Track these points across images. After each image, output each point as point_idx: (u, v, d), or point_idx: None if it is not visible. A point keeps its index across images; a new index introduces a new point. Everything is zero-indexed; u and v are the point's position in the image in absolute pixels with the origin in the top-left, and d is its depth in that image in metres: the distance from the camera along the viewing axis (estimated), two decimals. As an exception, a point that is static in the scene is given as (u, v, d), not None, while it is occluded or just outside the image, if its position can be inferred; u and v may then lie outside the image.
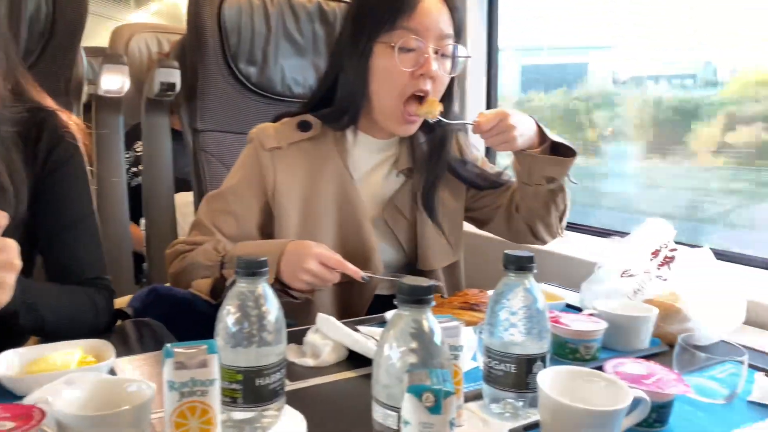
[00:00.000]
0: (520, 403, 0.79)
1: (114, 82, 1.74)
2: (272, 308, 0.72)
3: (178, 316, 1.11)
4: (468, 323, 1.02)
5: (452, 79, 1.23)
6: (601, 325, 0.97)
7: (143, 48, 2.61)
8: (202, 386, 0.62)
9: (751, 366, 0.90)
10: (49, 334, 0.97)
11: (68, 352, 0.83)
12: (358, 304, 1.24)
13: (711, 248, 1.21)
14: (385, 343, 0.63)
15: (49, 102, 1.08)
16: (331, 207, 1.22)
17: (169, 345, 0.63)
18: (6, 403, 0.65)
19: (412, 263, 1.30)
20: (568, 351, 0.97)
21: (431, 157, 1.28)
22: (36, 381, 0.75)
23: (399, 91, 1.16)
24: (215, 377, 0.63)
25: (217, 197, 1.25)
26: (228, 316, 0.71)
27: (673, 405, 0.76)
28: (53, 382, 0.72)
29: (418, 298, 0.63)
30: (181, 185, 1.98)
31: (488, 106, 2.01)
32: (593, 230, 1.75)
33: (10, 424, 0.60)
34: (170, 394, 0.62)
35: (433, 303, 0.64)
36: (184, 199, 1.99)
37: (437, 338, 0.63)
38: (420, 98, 1.17)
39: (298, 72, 1.72)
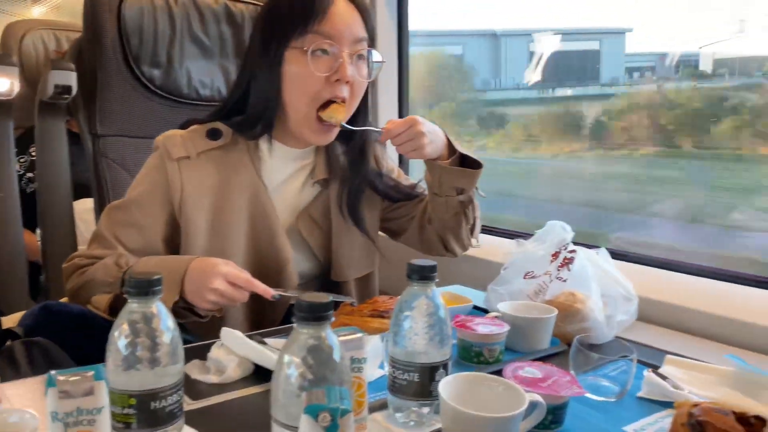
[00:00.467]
0: (425, 411, 0.80)
1: (1, 84, 1.63)
2: (167, 328, 0.69)
3: (73, 335, 1.05)
4: (377, 331, 1.03)
5: (368, 86, 1.21)
6: (504, 328, 1.00)
7: (39, 45, 2.46)
8: (89, 415, 0.59)
9: (641, 362, 0.96)
10: None
11: (-56, 382, 0.77)
12: (271, 316, 1.22)
13: (607, 248, 1.28)
14: (283, 362, 0.62)
15: None
16: (243, 218, 1.18)
17: (52, 372, 0.60)
18: None
19: (326, 274, 1.29)
20: (473, 354, 0.99)
21: (352, 166, 1.26)
22: None
23: (313, 97, 1.13)
24: (103, 405, 0.60)
25: (119, 208, 1.19)
26: (119, 338, 0.67)
27: (568, 405, 0.80)
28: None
29: (316, 315, 0.62)
30: (82, 191, 1.88)
31: (400, 114, 2.02)
32: (502, 232, 1.80)
33: None
34: (54, 426, 0.58)
35: (332, 319, 0.63)
36: (84, 206, 1.89)
37: (336, 355, 0.62)
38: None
39: (205, 74, 1.67)
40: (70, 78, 1.56)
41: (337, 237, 1.27)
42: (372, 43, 1.18)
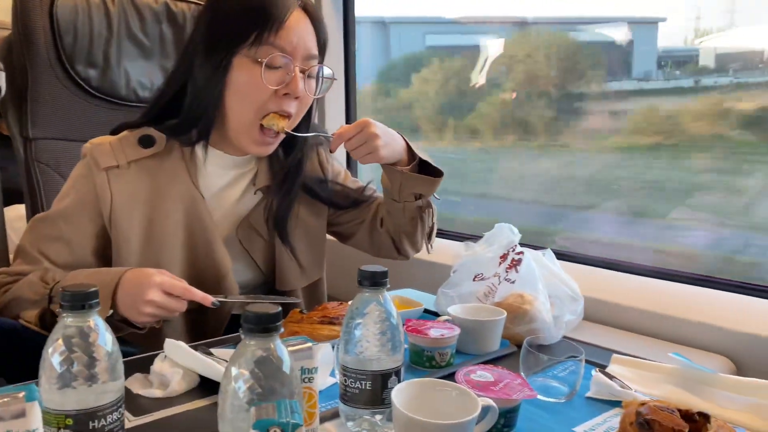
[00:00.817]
0: (378, 418, 0.79)
1: None
2: (105, 342, 0.65)
3: (5, 350, 0.99)
4: (328, 338, 1.01)
5: (312, 102, 1.19)
6: (454, 332, 1.00)
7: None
8: (20, 440, 0.55)
9: (589, 362, 0.97)
10: None
11: None
12: (214, 326, 1.18)
13: (552, 249, 1.30)
14: (231, 375, 0.60)
15: None
16: (179, 229, 1.13)
17: (-22, 395, 0.56)
18: None
19: (270, 283, 1.26)
20: (424, 359, 0.98)
21: (285, 178, 1.22)
22: None
23: (258, 108, 1.09)
24: (36, 427, 0.56)
25: (44, 221, 1.12)
26: (53, 355, 0.64)
27: (520, 408, 0.80)
28: None
29: (264, 326, 0.60)
30: (12, 197, 1.79)
31: (348, 120, 2.00)
32: (453, 234, 1.81)
33: None
34: (-19, 453, 0.54)
35: (281, 330, 0.61)
36: (16, 213, 1.80)
37: (286, 366, 0.60)
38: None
39: (144, 75, 1.62)
40: (-2, 78, 1.48)
41: (280, 246, 1.23)
42: (323, 57, 1.16)
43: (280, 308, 0.61)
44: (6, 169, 1.80)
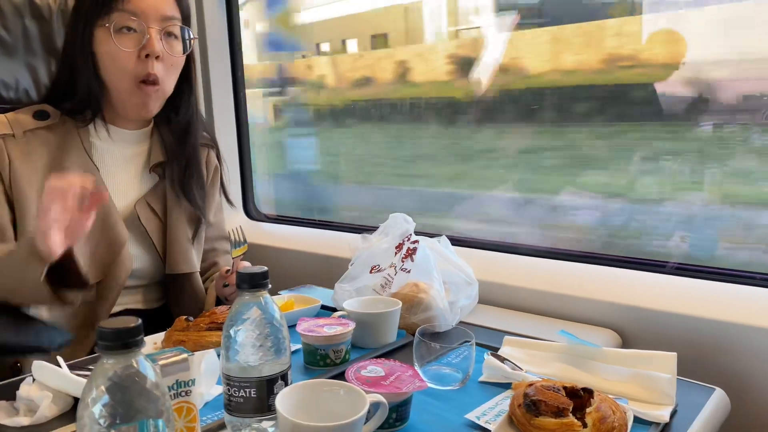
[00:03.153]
0: (267, 426, 0.75)
1: None
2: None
3: None
4: (217, 345, 0.97)
5: (190, 66, 1.25)
6: (348, 327, 0.98)
7: None
8: None
9: (482, 346, 0.98)
10: None
11: None
12: (89, 337, 1.15)
13: (447, 235, 1.31)
14: (88, 399, 0.54)
15: None
16: None
17: None
18: None
19: (161, 267, 1.26)
20: (318, 358, 0.96)
21: (179, 141, 1.27)
22: None
23: (130, 74, 1.14)
24: None
25: None
26: None
27: (412, 400, 0.79)
28: None
29: (123, 342, 0.55)
30: None
31: (235, 93, 1.93)
32: (350, 227, 1.79)
33: None
34: None
35: (143, 345, 0.56)
36: None
37: (150, 384, 0.56)
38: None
39: (8, 74, 1.47)
40: None
41: (172, 229, 1.26)
42: (187, 21, 1.21)
43: (140, 321, 0.56)
44: None
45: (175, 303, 1.29)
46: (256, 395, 0.73)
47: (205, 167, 1.35)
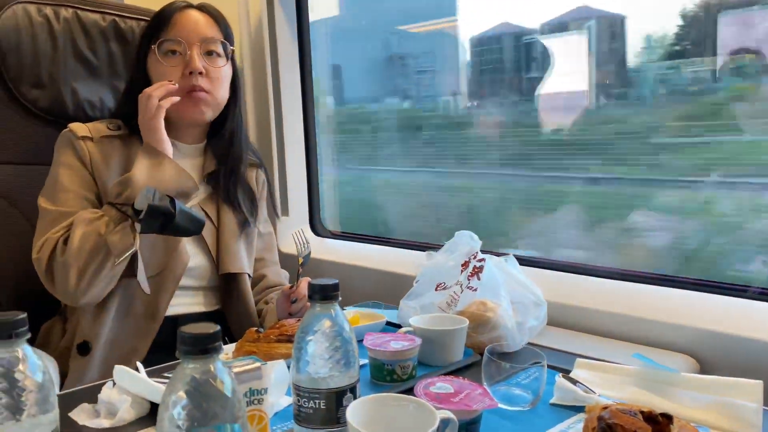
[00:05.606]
0: (334, 438, 0.75)
1: None
2: (33, 373, 0.61)
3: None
4: (286, 356, 0.98)
5: (236, 80, 1.37)
6: (415, 344, 0.97)
7: None
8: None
9: (553, 368, 0.96)
10: None
11: None
12: (149, 324, 1.23)
13: (515, 255, 1.29)
14: (169, 401, 0.56)
15: None
16: None
17: None
18: None
19: (215, 269, 1.34)
20: (385, 373, 0.96)
21: (226, 149, 1.37)
22: None
23: (178, 90, 1.24)
24: (-46, 470, 0.52)
25: (54, 190, 1.23)
26: (-22, 390, 0.59)
27: (482, 419, 0.77)
28: None
29: (202, 347, 0.57)
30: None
31: (305, 110, 1.98)
32: (412, 244, 1.78)
33: None
34: None
35: (222, 351, 0.58)
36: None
37: (227, 389, 0.57)
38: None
39: (93, 94, 1.56)
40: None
41: (223, 232, 1.34)
42: (228, 39, 1.34)
43: (218, 327, 0.58)
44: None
45: (228, 306, 1.35)
46: (325, 407, 0.74)
47: (254, 183, 1.46)
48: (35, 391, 0.61)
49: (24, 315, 0.62)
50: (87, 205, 1.22)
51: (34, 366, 0.62)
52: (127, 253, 1.12)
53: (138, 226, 1.12)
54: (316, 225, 2.00)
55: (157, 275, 1.23)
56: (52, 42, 1.49)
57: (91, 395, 0.90)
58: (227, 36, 1.34)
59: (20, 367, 0.61)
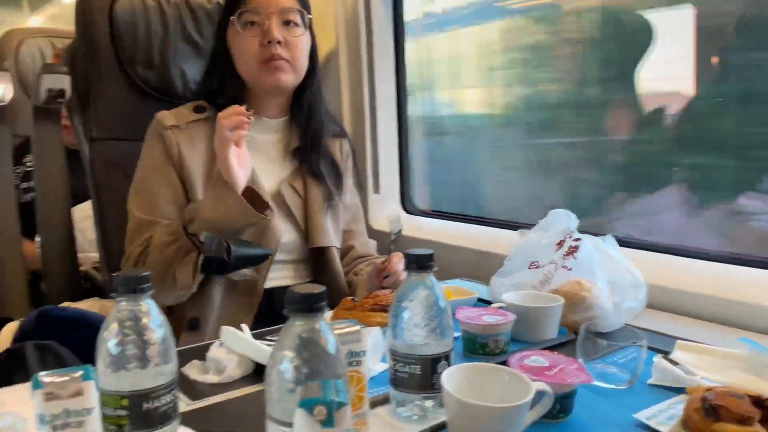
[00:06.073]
0: (429, 404, 0.77)
1: (-5, 90, 1.62)
2: (157, 326, 0.67)
3: (72, 336, 1.04)
4: (380, 325, 1.01)
5: (314, 52, 1.38)
6: (509, 318, 0.97)
7: (36, 54, 2.44)
8: (78, 416, 0.57)
9: (651, 348, 0.93)
10: None
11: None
12: (247, 304, 1.28)
13: (614, 235, 1.25)
14: (277, 356, 0.60)
15: None
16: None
17: (39, 374, 0.58)
18: None
19: (305, 243, 1.37)
20: (478, 346, 0.96)
21: (306, 120, 1.39)
22: None
23: (256, 59, 1.29)
24: (92, 405, 0.58)
25: (140, 194, 1.29)
26: (109, 339, 0.65)
27: (577, 394, 0.77)
28: None
29: (309, 306, 0.60)
30: (76, 200, 1.87)
31: (398, 87, 1.99)
32: (503, 223, 1.77)
33: None
34: (41, 429, 0.56)
35: (326, 310, 0.61)
36: (82, 213, 1.87)
37: (331, 347, 0.60)
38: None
39: (199, 74, 1.65)
40: (63, 81, 1.54)
41: (310, 207, 1.37)
42: (305, 7, 1.35)
43: (324, 288, 0.61)
44: (74, 172, 1.88)
45: (319, 278, 1.38)
46: (420, 372, 0.76)
47: (339, 154, 1.48)
48: (158, 343, 0.66)
49: (147, 273, 0.68)
50: (168, 209, 1.26)
51: (157, 319, 0.68)
52: (191, 290, 1.19)
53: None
54: (406, 203, 2.02)
55: None
56: (162, 24, 1.59)
57: (200, 353, 0.96)
58: (304, 5, 1.35)
59: (145, 320, 0.66)
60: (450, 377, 0.71)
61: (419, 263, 0.78)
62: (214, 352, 0.94)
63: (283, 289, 1.31)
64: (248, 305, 1.28)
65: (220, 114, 1.18)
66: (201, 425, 0.75)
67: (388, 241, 1.30)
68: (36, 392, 0.56)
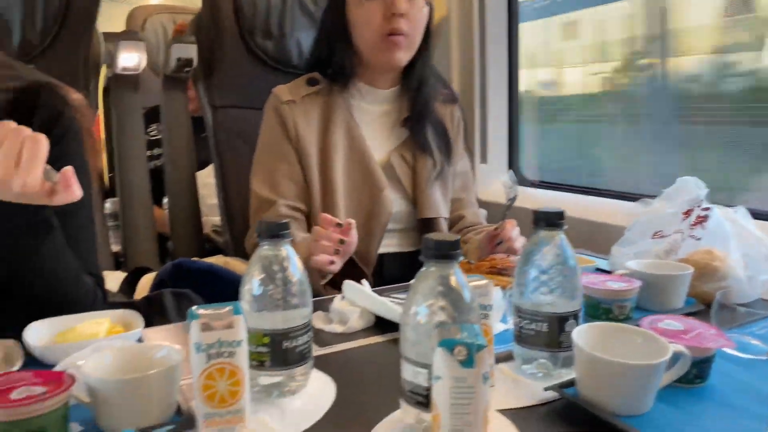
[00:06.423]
0: (554, 362, 0.77)
1: (131, 59, 1.74)
2: (296, 271, 0.70)
3: (204, 287, 1.11)
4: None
5: (429, 24, 1.34)
6: (634, 285, 0.94)
7: (159, 30, 2.59)
8: (230, 347, 0.61)
9: (791, 322, 0.87)
10: (28, 281, 0.88)
11: (97, 322, 0.83)
12: (366, 265, 1.30)
13: (747, 207, 1.18)
14: (413, 300, 0.61)
15: (49, 79, 0.99)
16: (342, 152, 1.32)
17: (194, 308, 0.62)
18: (37, 370, 0.65)
19: (414, 212, 1.38)
20: (600, 312, 0.94)
21: (417, 91, 1.37)
22: (65, 350, 0.75)
23: (378, 32, 1.26)
24: (242, 338, 0.62)
25: (260, 168, 1.34)
26: (252, 280, 0.69)
27: (714, 361, 0.74)
28: (82, 351, 0.72)
29: (444, 252, 0.61)
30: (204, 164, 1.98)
31: (510, 57, 1.96)
32: (620, 194, 1.70)
33: (41, 389, 0.60)
34: (198, 356, 0.61)
35: (461, 257, 0.62)
36: (199, 182, 1.98)
37: (466, 294, 0.61)
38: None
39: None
40: (190, 51, 1.63)
41: (419, 177, 1.37)
42: None
43: (458, 237, 0.62)
44: (197, 138, 1.99)
45: None
46: (547, 330, 0.75)
47: (449, 120, 1.45)
48: (297, 285, 0.70)
49: (287, 221, 0.71)
50: (287, 186, 1.29)
51: (295, 265, 0.71)
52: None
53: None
54: (515, 173, 1.99)
55: (364, 223, 1.30)
56: (281, -5, 1.64)
57: (323, 306, 1.00)
58: None
59: (285, 263, 0.70)
60: (581, 334, 0.70)
61: (548, 221, 0.76)
62: (338, 304, 0.97)
63: (392, 256, 1.36)
64: (361, 274, 1.29)
65: (317, 230, 1.08)
66: (327, 369, 0.78)
67: (496, 211, 1.29)
68: (193, 323, 0.60)
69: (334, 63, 1.34)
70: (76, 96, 0.99)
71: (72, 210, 0.84)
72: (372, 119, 1.38)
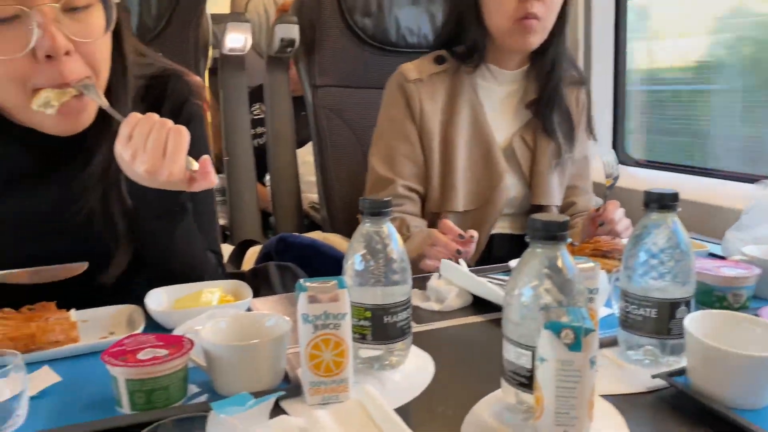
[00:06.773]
0: (662, 349, 0.74)
1: (237, 40, 1.80)
2: (397, 248, 0.71)
3: (305, 260, 1.15)
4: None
5: (566, 5, 1.28)
6: (753, 272, 0.88)
7: (261, 11, 2.67)
8: (335, 319, 0.63)
9: None
10: (164, 259, 0.94)
11: (210, 291, 0.88)
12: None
13: None
14: (517, 280, 0.61)
15: (174, 65, 1.06)
16: (465, 133, 1.30)
17: (301, 281, 0.65)
18: (158, 333, 0.70)
19: (528, 197, 1.35)
20: (714, 299, 0.89)
21: (547, 76, 1.33)
22: (182, 316, 0.80)
23: (510, 15, 1.22)
24: (347, 311, 0.63)
25: (380, 146, 1.34)
26: (355, 255, 0.71)
27: None
28: (198, 317, 0.77)
29: (552, 234, 0.59)
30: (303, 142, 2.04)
31: (616, 34, 1.86)
32: (735, 175, 1.59)
33: (164, 352, 0.64)
34: (305, 327, 0.63)
35: (568, 240, 0.60)
36: (307, 150, 2.02)
37: (573, 276, 0.59)
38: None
39: (412, 21, 1.69)
40: (293, 31, 1.67)
41: (538, 162, 1.34)
42: None
43: (567, 218, 0.60)
44: (297, 117, 2.05)
45: None
46: (656, 316, 0.72)
47: (575, 104, 1.40)
48: (397, 263, 0.71)
49: (389, 199, 0.72)
50: (405, 166, 1.30)
51: (396, 242, 0.72)
52: None
53: None
54: (620, 153, 1.90)
55: (479, 208, 1.29)
56: (381, -28, 1.64)
57: (419, 284, 1.01)
58: None
59: (387, 240, 0.71)
60: (694, 321, 0.67)
61: (660, 202, 0.73)
62: (434, 282, 0.98)
63: (500, 237, 1.35)
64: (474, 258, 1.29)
65: (438, 238, 1.07)
66: (425, 346, 0.79)
67: (601, 190, 1.24)
68: (301, 295, 0.63)
69: (464, 43, 1.32)
70: (196, 80, 1.05)
71: (200, 193, 0.89)
72: (496, 100, 1.36)
